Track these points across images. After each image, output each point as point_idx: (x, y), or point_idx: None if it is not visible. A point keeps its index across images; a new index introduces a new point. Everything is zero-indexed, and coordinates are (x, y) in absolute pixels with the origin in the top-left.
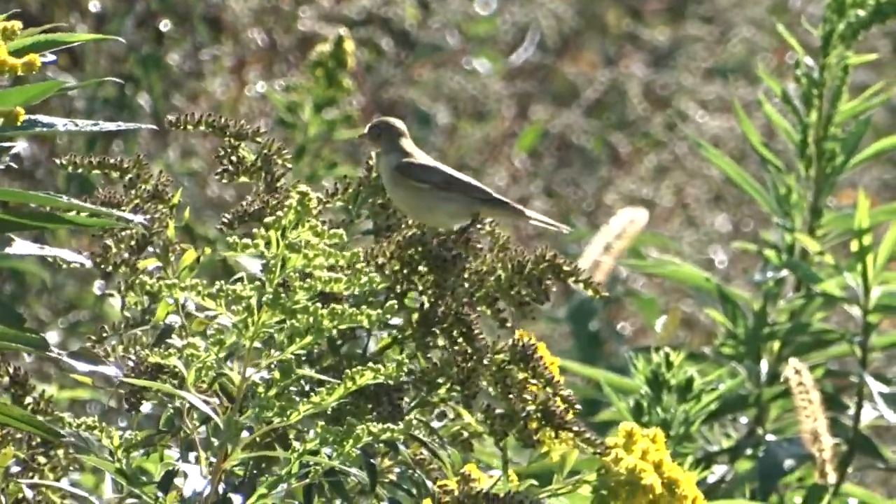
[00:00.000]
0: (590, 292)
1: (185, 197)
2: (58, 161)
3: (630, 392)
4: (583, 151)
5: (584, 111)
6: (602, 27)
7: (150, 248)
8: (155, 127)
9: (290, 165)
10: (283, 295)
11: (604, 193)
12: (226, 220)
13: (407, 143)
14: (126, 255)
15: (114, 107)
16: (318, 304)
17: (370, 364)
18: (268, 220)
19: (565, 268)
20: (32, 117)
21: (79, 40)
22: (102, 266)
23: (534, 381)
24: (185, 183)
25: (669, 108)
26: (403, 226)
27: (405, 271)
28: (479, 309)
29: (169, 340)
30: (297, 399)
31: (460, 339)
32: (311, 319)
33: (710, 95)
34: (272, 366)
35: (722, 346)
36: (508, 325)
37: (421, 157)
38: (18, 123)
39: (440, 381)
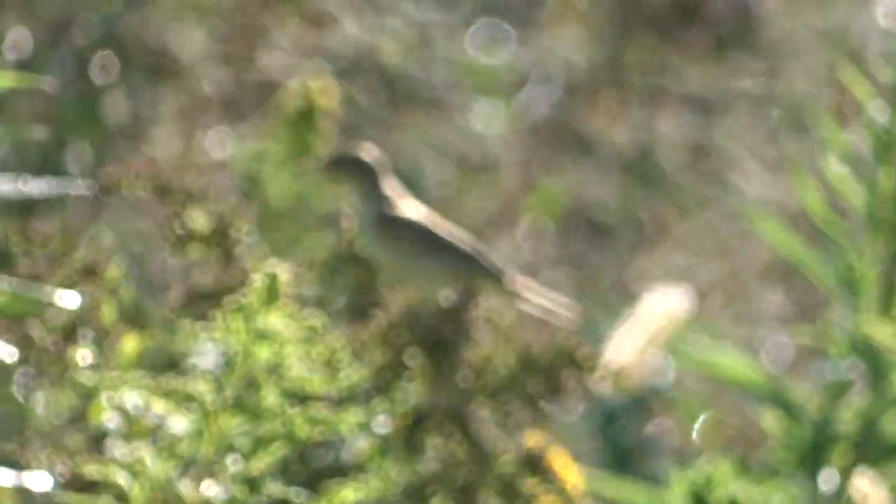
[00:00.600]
0: (614, 389)
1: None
2: None
3: None
4: (605, 220)
5: (608, 171)
6: (626, 69)
7: (83, 335)
8: (87, 191)
9: (249, 234)
10: (247, 395)
11: (632, 269)
12: (173, 300)
13: (389, 184)
14: (51, 343)
15: (38, 169)
16: (290, 406)
17: (349, 477)
18: (230, 302)
19: (584, 358)
20: None
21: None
22: (22, 357)
23: (547, 493)
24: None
25: (708, 163)
26: (386, 303)
27: (392, 360)
28: (478, 407)
29: (108, 448)
30: None
31: (457, 442)
32: (282, 424)
33: (757, 150)
34: (234, 480)
35: (775, 454)
36: (514, 425)
37: (407, 203)
38: None
39: (433, 493)
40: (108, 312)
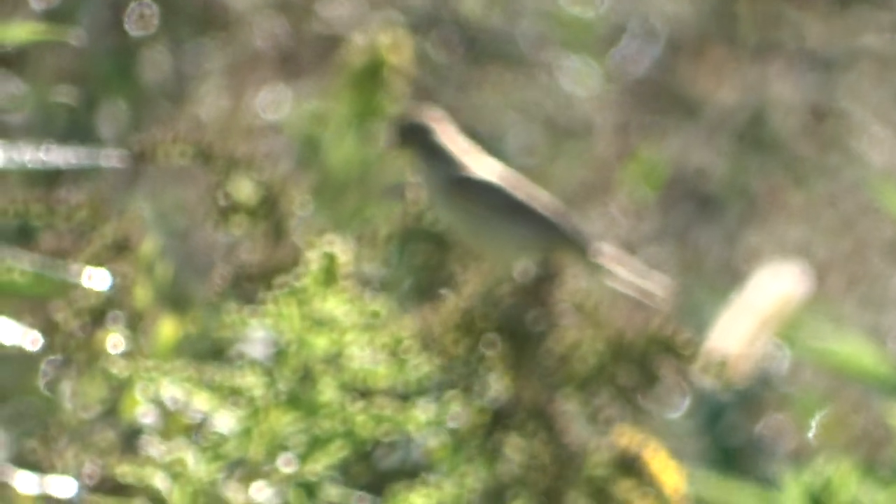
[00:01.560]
0: (715, 380)
1: (167, 249)
2: None
3: None
4: (713, 190)
5: (716, 135)
6: (735, 21)
7: (113, 318)
8: (119, 161)
9: (304, 206)
10: (300, 390)
11: (743, 247)
12: (217, 280)
13: (456, 143)
14: (78, 328)
15: (68, 130)
16: (351, 402)
17: (418, 481)
18: (282, 285)
19: (684, 346)
20: None
21: (16, 38)
22: (47, 344)
23: (644, 498)
24: (160, 233)
25: (828, 128)
26: (459, 284)
27: (465, 349)
28: (564, 401)
29: (143, 447)
30: None
31: (540, 441)
32: (341, 422)
33: (882, 113)
34: (287, 483)
35: None
36: (605, 422)
37: (481, 162)
38: None
39: (514, 498)
40: (142, 293)
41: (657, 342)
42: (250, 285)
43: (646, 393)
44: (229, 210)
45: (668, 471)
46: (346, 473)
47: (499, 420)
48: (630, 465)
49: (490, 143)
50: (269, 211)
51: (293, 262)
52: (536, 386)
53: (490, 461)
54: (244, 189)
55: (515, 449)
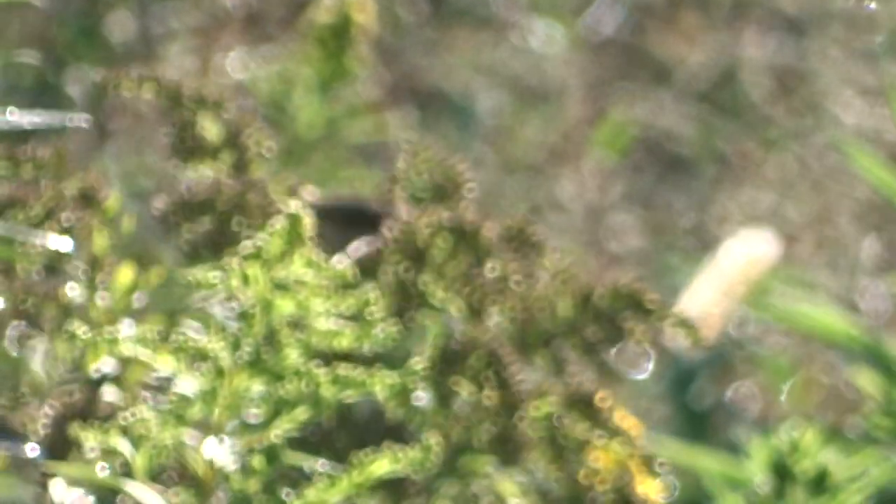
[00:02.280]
0: (686, 339)
1: (133, 210)
2: None
3: (744, 484)
4: (682, 155)
5: (685, 99)
6: None
7: (73, 268)
8: (85, 119)
9: (267, 145)
10: (265, 353)
11: (712, 211)
12: (159, 211)
13: None
14: (39, 281)
15: (34, 92)
16: (316, 365)
17: (384, 437)
18: (245, 248)
19: (649, 301)
20: None
21: None
22: (10, 301)
23: (598, 439)
24: (133, 195)
25: (799, 96)
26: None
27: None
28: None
29: (104, 397)
30: (286, 494)
31: (495, 386)
32: (305, 386)
33: (854, 76)
34: (252, 449)
35: (871, 421)
36: (570, 375)
37: None
38: None
39: (468, 441)
40: (101, 243)
41: (624, 298)
42: (198, 211)
43: (611, 348)
44: (193, 149)
45: (624, 417)
46: (311, 438)
47: (451, 364)
48: (586, 407)
49: (460, 105)
50: (232, 151)
51: (248, 189)
52: (493, 333)
53: (443, 405)
54: (210, 128)
55: (469, 394)
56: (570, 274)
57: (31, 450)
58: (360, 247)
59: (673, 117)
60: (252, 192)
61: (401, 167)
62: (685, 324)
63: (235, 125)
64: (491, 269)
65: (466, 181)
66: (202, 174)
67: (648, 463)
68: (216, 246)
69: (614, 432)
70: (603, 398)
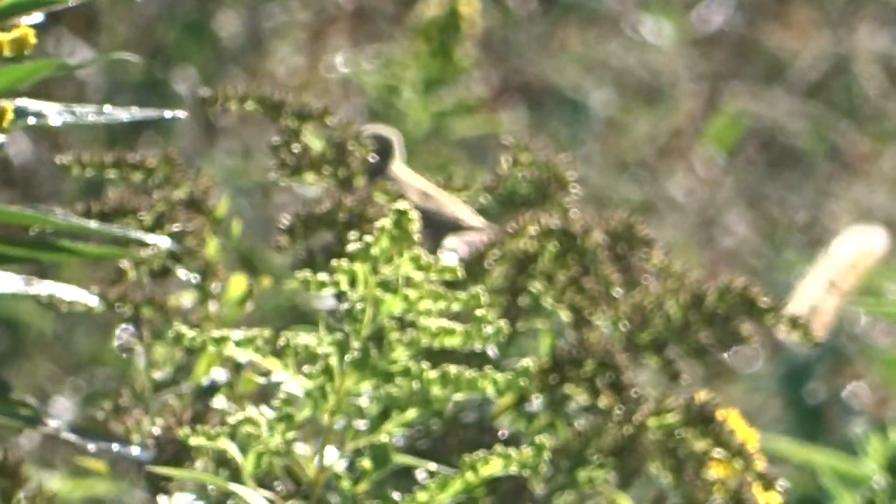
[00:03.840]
0: (800, 339)
1: (240, 210)
2: (57, 161)
3: (861, 482)
4: (795, 150)
5: (798, 94)
6: None
7: (182, 275)
8: (183, 113)
9: (375, 156)
10: (374, 352)
11: (825, 207)
12: (284, 226)
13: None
14: (148, 286)
15: (142, 90)
16: (425, 365)
17: (494, 443)
18: (353, 247)
19: (762, 303)
20: (21, 105)
21: None
22: (117, 306)
23: (718, 455)
24: (239, 195)
25: None
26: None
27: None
28: (642, 358)
29: (214, 406)
30: (397, 496)
31: (606, 392)
32: (415, 386)
33: None
34: (361, 450)
35: None
36: (683, 380)
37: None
38: (5, 125)
39: (587, 453)
40: (213, 251)
41: (736, 299)
42: (317, 229)
43: (725, 351)
44: (301, 162)
45: (743, 430)
46: (419, 437)
47: (563, 369)
48: (706, 423)
49: (571, 99)
50: (338, 163)
51: (363, 205)
52: (612, 341)
53: (557, 413)
54: (314, 141)
55: (584, 403)
56: (680, 275)
57: (139, 454)
58: (456, 248)
59: (785, 112)
60: (370, 205)
61: (504, 166)
62: (798, 324)
63: (340, 136)
64: (599, 275)
65: (571, 180)
66: (311, 186)
67: (766, 478)
68: (332, 256)
69: (735, 450)
70: (723, 416)
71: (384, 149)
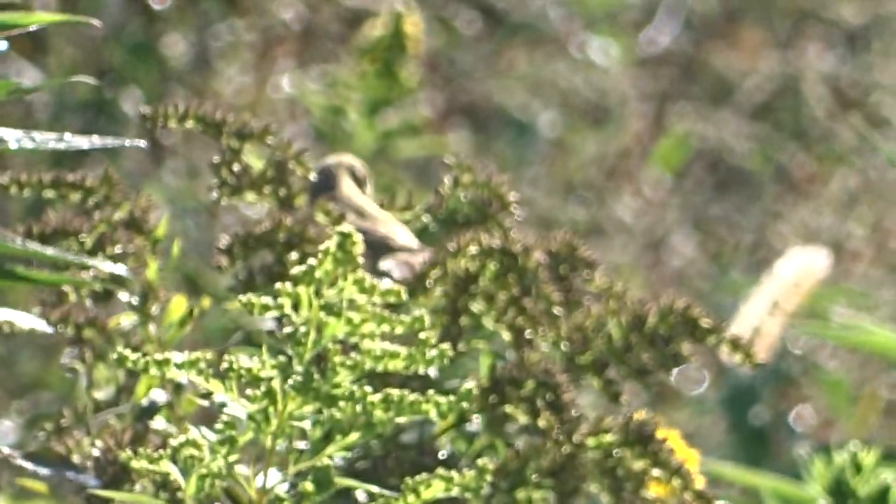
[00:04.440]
0: (741, 360)
1: (186, 230)
2: None
3: None
4: (742, 171)
5: (745, 115)
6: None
7: (123, 297)
8: (142, 142)
9: (313, 175)
10: (317, 376)
11: (771, 228)
12: (223, 246)
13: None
14: (90, 308)
15: (90, 111)
16: (367, 388)
17: (435, 464)
18: (296, 270)
19: (703, 323)
20: None
21: (40, 22)
22: (60, 328)
23: (657, 474)
24: (185, 215)
25: (863, 111)
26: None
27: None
28: (583, 379)
29: (154, 427)
30: None
31: (545, 412)
32: (357, 409)
33: None
34: (303, 473)
35: None
36: (624, 401)
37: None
38: None
39: (526, 473)
40: (153, 270)
41: (678, 320)
42: (255, 249)
43: (667, 373)
44: (241, 181)
45: (681, 450)
46: (359, 458)
47: (499, 388)
48: (645, 442)
49: (516, 122)
50: (279, 183)
51: (302, 225)
52: (547, 358)
53: (497, 434)
54: (255, 161)
55: (525, 423)
56: (621, 295)
57: (79, 477)
58: (391, 270)
59: (732, 133)
60: (310, 225)
61: (446, 186)
62: (739, 345)
63: (281, 154)
64: (539, 295)
65: (512, 200)
66: (252, 206)
67: (705, 498)
68: (273, 276)
69: (673, 470)
70: (662, 436)
71: (329, 175)
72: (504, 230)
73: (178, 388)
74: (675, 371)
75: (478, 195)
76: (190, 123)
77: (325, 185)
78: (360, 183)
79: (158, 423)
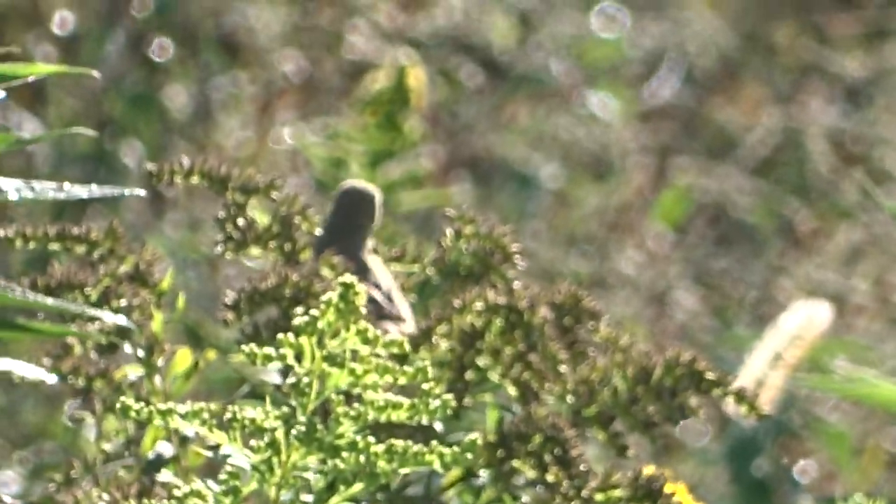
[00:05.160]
0: (746, 412)
1: (187, 283)
2: (0, 233)
3: None
4: (745, 225)
5: (747, 170)
6: (770, 53)
7: (128, 350)
8: (142, 191)
9: (319, 230)
10: (320, 427)
11: (774, 282)
12: (228, 303)
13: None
14: (97, 361)
15: (91, 162)
16: (371, 439)
17: None
18: (298, 321)
19: (708, 376)
20: None
21: (39, 73)
22: (69, 379)
23: None
24: (186, 267)
25: (866, 165)
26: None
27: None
28: (588, 433)
29: (160, 479)
30: None
31: (553, 467)
32: (361, 460)
33: None
34: None
35: None
36: (629, 454)
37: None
38: None
39: None
40: (158, 323)
41: (683, 372)
42: (261, 304)
43: (673, 425)
44: (246, 236)
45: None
46: None
47: (510, 444)
48: (650, 495)
49: (518, 174)
50: (284, 237)
51: (307, 281)
52: (559, 415)
53: (504, 488)
54: (260, 215)
55: (532, 477)
56: (626, 347)
57: None
58: (388, 329)
59: (734, 187)
60: (316, 280)
61: (448, 238)
62: (744, 397)
63: (286, 209)
64: (545, 351)
65: (514, 251)
66: (256, 261)
67: None
68: (278, 331)
69: None
70: (670, 490)
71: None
72: (508, 283)
73: (183, 440)
74: (680, 423)
75: (480, 247)
76: (195, 179)
77: (349, 245)
78: (373, 211)
79: (165, 475)
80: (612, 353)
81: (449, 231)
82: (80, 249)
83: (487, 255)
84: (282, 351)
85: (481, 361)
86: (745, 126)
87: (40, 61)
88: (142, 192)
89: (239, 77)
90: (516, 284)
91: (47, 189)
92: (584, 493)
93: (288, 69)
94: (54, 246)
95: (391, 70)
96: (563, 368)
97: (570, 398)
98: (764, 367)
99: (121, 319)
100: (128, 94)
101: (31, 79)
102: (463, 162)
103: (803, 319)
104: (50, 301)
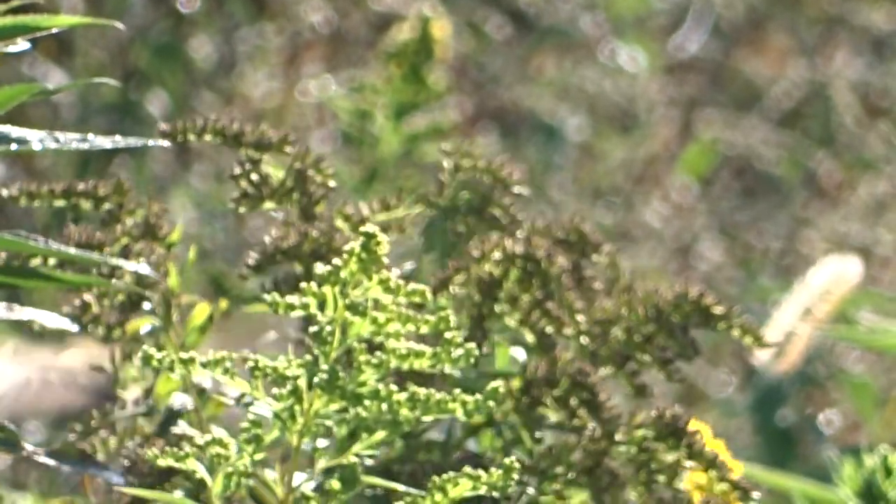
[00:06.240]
0: (751, 344)
1: (213, 234)
2: (4, 192)
3: None
4: (770, 177)
5: (773, 122)
6: (796, 5)
7: (147, 303)
8: (165, 142)
9: (332, 182)
10: (343, 375)
11: (799, 234)
12: (250, 263)
13: None
14: (116, 314)
15: (116, 112)
16: (393, 387)
17: (462, 465)
18: (321, 270)
19: (716, 310)
20: (3, 131)
21: (62, 25)
22: (90, 331)
23: (691, 466)
24: (213, 218)
25: (891, 117)
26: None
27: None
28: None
29: (179, 430)
30: None
31: (581, 411)
32: (383, 408)
33: None
34: (330, 472)
35: None
36: (649, 394)
37: None
38: None
39: (557, 470)
40: (174, 277)
41: (690, 307)
42: (282, 263)
43: (688, 362)
44: (260, 192)
45: (712, 443)
46: (390, 460)
47: (533, 390)
48: (675, 432)
49: (544, 126)
50: (299, 192)
51: (327, 239)
52: (575, 358)
53: (528, 430)
54: (275, 170)
55: (556, 421)
56: (628, 287)
57: (102, 473)
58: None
59: (760, 139)
60: (337, 236)
61: (447, 171)
62: (749, 330)
63: (300, 164)
64: (562, 301)
65: (513, 182)
66: (280, 212)
67: (740, 490)
68: (298, 283)
69: (707, 461)
70: (694, 428)
71: None
72: (509, 214)
73: (201, 392)
74: (694, 360)
75: (479, 179)
76: (208, 137)
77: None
78: None
79: (182, 426)
80: (619, 293)
81: (446, 164)
82: (87, 205)
83: (487, 187)
84: (304, 300)
85: (498, 309)
86: (771, 78)
87: (66, 13)
88: (165, 143)
89: (265, 29)
90: (519, 216)
91: (71, 139)
92: (618, 436)
93: (315, 21)
94: (60, 202)
95: (416, 21)
96: (579, 319)
97: (583, 339)
98: (793, 322)
99: (143, 268)
100: (154, 44)
101: (56, 30)
102: (489, 114)
103: (833, 274)
104: (73, 251)
